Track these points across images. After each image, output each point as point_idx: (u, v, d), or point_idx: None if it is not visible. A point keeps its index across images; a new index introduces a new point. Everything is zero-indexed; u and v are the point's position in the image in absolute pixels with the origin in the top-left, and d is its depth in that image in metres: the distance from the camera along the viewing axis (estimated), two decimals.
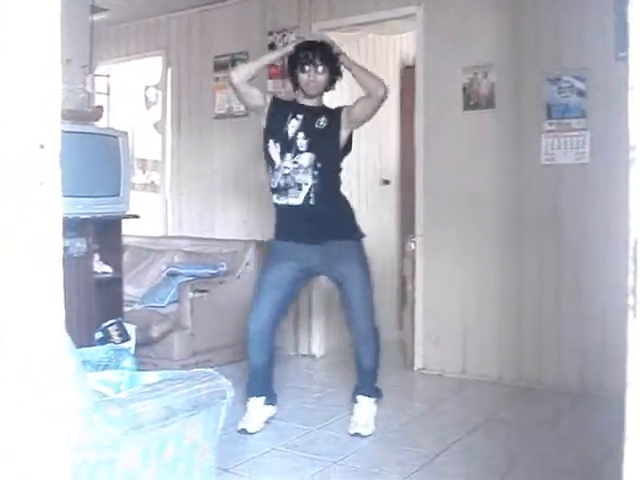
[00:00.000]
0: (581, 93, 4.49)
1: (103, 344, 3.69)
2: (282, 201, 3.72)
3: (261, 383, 3.90)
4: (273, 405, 3.95)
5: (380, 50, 6.08)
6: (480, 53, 4.85)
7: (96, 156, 4.25)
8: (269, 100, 3.83)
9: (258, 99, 3.78)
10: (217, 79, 6.11)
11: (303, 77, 3.72)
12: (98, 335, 4.12)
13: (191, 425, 2.14)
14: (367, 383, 3.94)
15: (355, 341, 3.91)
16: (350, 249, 3.79)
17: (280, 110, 3.79)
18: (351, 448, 3.57)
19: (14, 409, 1.31)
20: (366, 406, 3.90)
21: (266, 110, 3.79)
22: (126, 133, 4.50)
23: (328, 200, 3.73)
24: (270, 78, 5.73)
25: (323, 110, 3.81)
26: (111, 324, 4.20)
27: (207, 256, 5.64)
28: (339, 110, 3.81)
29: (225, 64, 6.04)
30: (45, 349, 1.36)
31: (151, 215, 6.52)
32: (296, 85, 3.81)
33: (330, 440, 3.68)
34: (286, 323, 5.67)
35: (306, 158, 3.67)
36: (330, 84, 3.79)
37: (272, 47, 5.71)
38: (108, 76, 7.00)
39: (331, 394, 4.50)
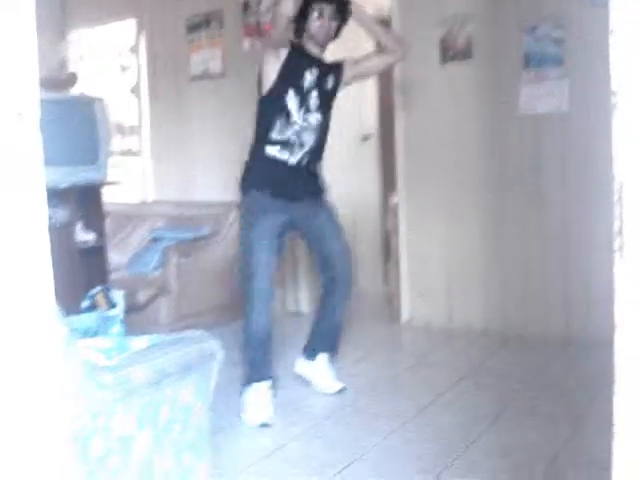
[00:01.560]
0: (558, 41, 4.48)
1: (90, 312, 3.68)
2: (283, 156, 3.53)
3: (269, 361, 3.59)
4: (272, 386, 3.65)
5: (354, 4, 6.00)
6: (456, 4, 4.81)
7: (72, 123, 4.19)
8: (289, 45, 3.56)
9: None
10: (191, 40, 6.03)
11: (315, 23, 3.51)
12: (85, 303, 4.10)
13: (183, 387, 2.16)
14: (335, 337, 3.85)
15: (334, 289, 3.71)
16: (324, 202, 3.75)
17: (297, 59, 3.54)
18: (344, 403, 3.62)
19: (5, 379, 1.31)
20: (327, 363, 3.84)
21: (283, 55, 3.50)
22: (102, 99, 4.44)
23: (316, 162, 3.68)
24: (247, 35, 5.66)
25: (329, 66, 3.66)
26: (97, 292, 4.18)
27: (190, 219, 5.63)
28: (340, 67, 3.70)
29: (199, 24, 5.96)
30: (35, 318, 1.36)
31: (131, 181, 6.48)
32: (300, 32, 3.58)
33: (321, 394, 3.72)
34: None
35: (314, 118, 3.56)
36: (336, 33, 3.62)
37: (246, 6, 5.64)
38: (81, 42, 6.89)
39: None
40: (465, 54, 4.81)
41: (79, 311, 3.83)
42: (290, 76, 3.50)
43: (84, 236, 4.37)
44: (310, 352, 3.85)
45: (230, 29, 5.81)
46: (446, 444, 3.07)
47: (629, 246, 1.12)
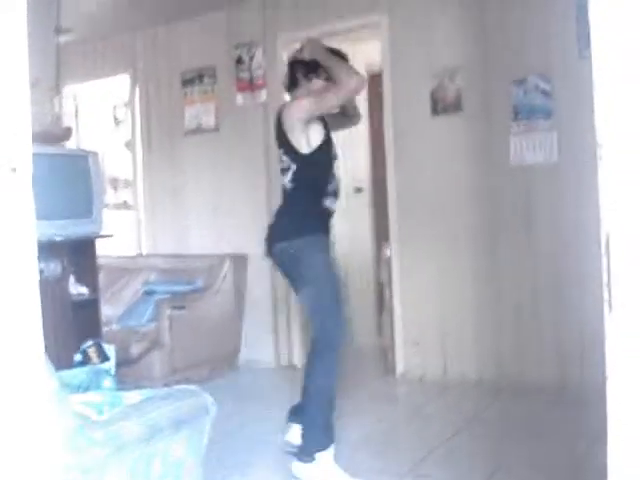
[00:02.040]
0: (546, 93, 4.55)
1: (83, 366, 3.66)
2: (332, 205, 3.52)
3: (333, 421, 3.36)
4: None
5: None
6: (446, 58, 4.89)
7: (67, 177, 4.23)
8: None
9: None
10: (185, 95, 6.10)
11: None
12: (77, 357, 4.08)
13: (176, 442, 2.13)
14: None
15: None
16: None
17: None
18: (335, 457, 3.57)
19: None
20: None
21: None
22: (96, 153, 4.49)
23: None
24: (238, 91, 5.74)
25: None
26: (90, 345, 4.16)
27: (183, 272, 5.63)
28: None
29: (192, 79, 6.04)
30: (26, 373, 1.35)
31: (125, 234, 6.49)
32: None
33: None
34: (265, 334, 5.68)
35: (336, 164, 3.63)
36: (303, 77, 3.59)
37: (239, 61, 5.73)
38: (76, 96, 6.97)
39: None
40: (455, 106, 4.88)
41: (72, 364, 3.81)
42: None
43: (77, 289, 4.36)
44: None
45: (223, 84, 5.89)
46: None
47: (617, 297, 1.13)
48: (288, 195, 3.51)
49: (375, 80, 5.73)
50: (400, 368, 5.13)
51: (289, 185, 3.47)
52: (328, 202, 3.50)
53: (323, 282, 3.40)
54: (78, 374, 2.68)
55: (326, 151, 3.50)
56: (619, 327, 1.15)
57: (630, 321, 1.15)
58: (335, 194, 3.53)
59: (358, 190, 6.31)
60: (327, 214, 3.52)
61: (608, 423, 1.18)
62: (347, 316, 3.50)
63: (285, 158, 3.46)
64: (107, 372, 2.82)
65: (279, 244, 3.45)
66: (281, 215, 3.59)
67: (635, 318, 1.15)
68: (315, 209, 3.49)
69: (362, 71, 6.29)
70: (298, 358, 5.60)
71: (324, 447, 3.25)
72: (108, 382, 2.68)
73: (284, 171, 3.48)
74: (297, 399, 3.52)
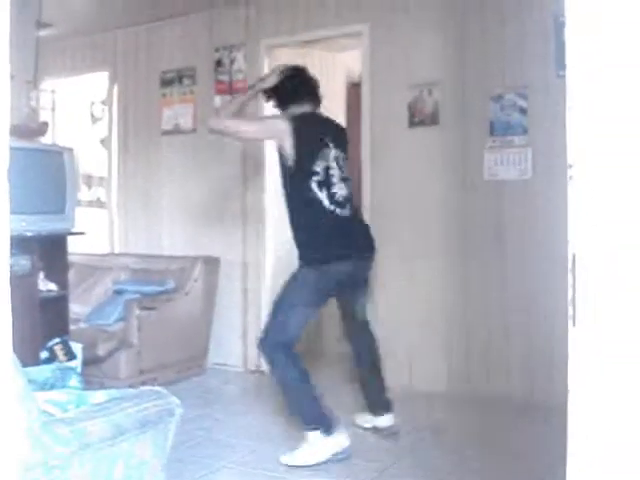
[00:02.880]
0: (523, 110, 4.60)
1: (49, 363, 3.63)
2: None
3: (328, 410, 3.78)
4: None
5: (327, 67, 6.13)
6: (425, 71, 4.93)
7: (41, 172, 4.19)
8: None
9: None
10: (164, 95, 6.09)
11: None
12: (44, 354, 4.05)
13: (140, 443, 2.13)
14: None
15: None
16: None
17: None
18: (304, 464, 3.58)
19: None
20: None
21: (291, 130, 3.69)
22: (71, 149, 4.45)
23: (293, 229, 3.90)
24: (217, 93, 5.75)
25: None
26: (57, 343, 4.13)
27: (154, 273, 5.60)
28: None
29: (172, 80, 6.03)
30: None
31: (97, 232, 6.46)
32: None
33: (279, 456, 3.68)
34: (233, 338, 5.67)
35: None
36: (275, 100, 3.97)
37: (219, 63, 5.73)
38: (53, 92, 6.93)
39: (280, 411, 4.49)
40: (432, 119, 4.91)
41: (38, 362, 3.78)
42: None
43: (47, 285, 4.33)
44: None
45: (202, 86, 5.89)
46: None
47: (581, 314, 1.15)
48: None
49: (354, 89, 5.76)
50: None
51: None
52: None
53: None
54: (44, 371, 2.66)
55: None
56: (582, 343, 1.17)
57: (592, 337, 1.17)
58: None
59: None
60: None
61: (568, 435, 1.20)
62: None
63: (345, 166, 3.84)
64: (73, 370, 2.79)
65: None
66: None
67: (597, 334, 1.17)
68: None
69: (342, 79, 6.39)
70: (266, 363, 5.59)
71: (317, 426, 3.60)
72: (74, 381, 2.67)
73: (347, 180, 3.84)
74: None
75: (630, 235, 1.17)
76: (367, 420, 4.10)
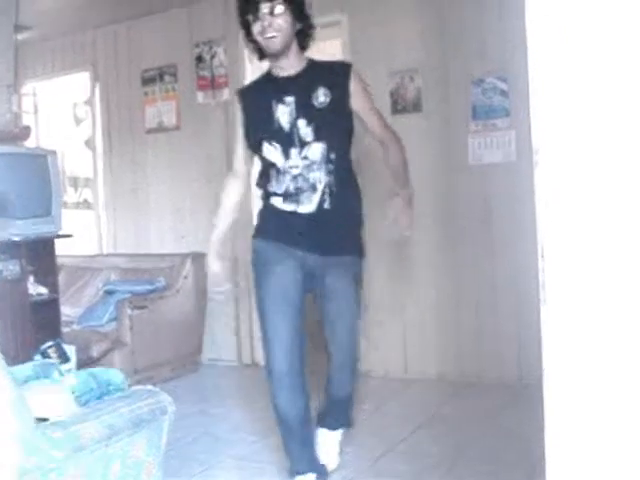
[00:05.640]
0: (504, 93, 4.61)
1: None
2: (289, 207, 2.92)
3: (306, 452, 3.12)
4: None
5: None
6: (406, 58, 4.93)
7: (25, 176, 4.19)
8: (236, 98, 3.07)
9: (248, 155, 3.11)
10: (146, 93, 6.08)
11: (256, 27, 2.76)
12: (37, 358, 4.06)
13: (135, 443, 2.14)
14: (335, 413, 3.34)
15: (329, 366, 3.23)
16: (350, 266, 3.12)
17: (255, 100, 2.95)
18: None
19: None
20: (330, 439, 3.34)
21: (238, 109, 3.03)
22: (55, 152, 4.45)
23: (344, 203, 3.05)
24: (199, 89, 5.74)
25: (316, 73, 2.95)
26: (50, 346, 4.13)
27: (144, 272, 5.60)
28: (345, 70, 3.01)
29: (153, 77, 6.02)
30: None
31: (85, 233, 6.45)
32: (260, 50, 2.89)
33: (276, 449, 3.70)
34: (227, 333, 5.68)
35: (317, 150, 2.90)
36: (301, 36, 2.95)
37: (200, 59, 5.72)
38: (35, 95, 6.90)
39: None
40: (415, 106, 4.92)
41: None
42: (253, 125, 3.02)
43: (37, 289, 4.33)
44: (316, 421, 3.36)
45: (184, 82, 5.88)
46: None
47: (551, 298, 1.17)
48: None
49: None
50: (363, 366, 5.15)
51: None
52: (281, 202, 2.98)
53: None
54: (24, 369, 2.65)
55: (260, 152, 3.03)
56: (553, 325, 1.20)
57: (562, 319, 1.19)
58: (286, 195, 2.95)
59: None
60: (290, 217, 2.99)
61: (545, 416, 1.23)
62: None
63: None
64: (54, 365, 2.77)
65: None
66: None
67: (566, 318, 1.20)
68: (271, 211, 3.13)
69: None
70: (260, 355, 5.60)
71: (289, 475, 3.12)
72: (57, 374, 2.65)
73: None
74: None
75: (597, 220, 1.18)
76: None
